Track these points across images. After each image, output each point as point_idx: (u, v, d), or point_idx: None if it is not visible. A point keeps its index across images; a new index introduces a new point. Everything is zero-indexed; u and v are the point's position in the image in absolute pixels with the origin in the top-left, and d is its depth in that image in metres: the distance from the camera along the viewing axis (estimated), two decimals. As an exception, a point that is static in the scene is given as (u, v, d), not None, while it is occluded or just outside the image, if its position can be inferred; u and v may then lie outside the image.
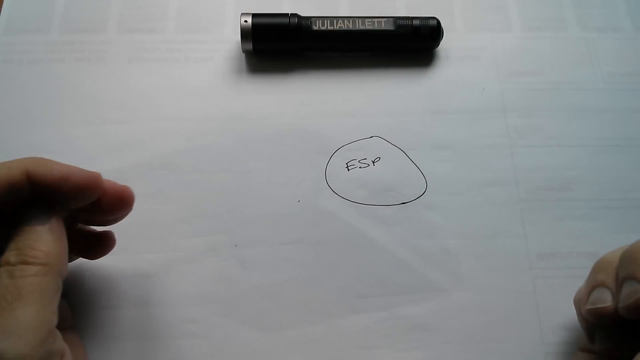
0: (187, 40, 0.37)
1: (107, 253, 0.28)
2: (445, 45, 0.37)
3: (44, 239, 0.22)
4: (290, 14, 0.35)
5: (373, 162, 0.34)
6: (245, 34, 0.35)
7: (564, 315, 0.30)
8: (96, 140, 0.33)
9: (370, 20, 0.35)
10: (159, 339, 0.29)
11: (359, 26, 0.35)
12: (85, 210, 0.25)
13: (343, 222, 0.32)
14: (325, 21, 0.35)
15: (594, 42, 0.38)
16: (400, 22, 0.35)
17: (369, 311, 0.30)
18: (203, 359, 0.28)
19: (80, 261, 0.29)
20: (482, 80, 0.36)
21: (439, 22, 0.36)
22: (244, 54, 0.37)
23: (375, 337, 0.29)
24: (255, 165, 0.33)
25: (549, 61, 0.37)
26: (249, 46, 0.35)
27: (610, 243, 0.24)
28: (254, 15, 0.35)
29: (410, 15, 0.36)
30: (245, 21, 0.34)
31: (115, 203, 0.26)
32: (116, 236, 0.28)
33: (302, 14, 0.35)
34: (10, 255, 0.22)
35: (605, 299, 0.24)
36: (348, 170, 0.33)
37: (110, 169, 0.32)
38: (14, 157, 0.32)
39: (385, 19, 0.36)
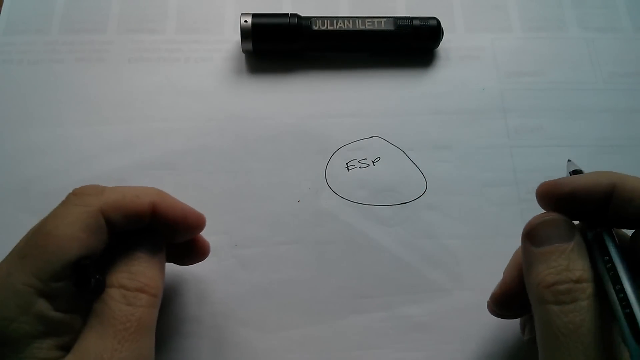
0: (187, 40, 0.37)
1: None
2: (445, 45, 0.37)
3: (154, 270, 0.23)
4: (290, 14, 0.35)
5: (373, 162, 0.34)
6: (245, 34, 0.35)
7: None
8: (96, 140, 0.33)
9: (370, 20, 0.35)
10: (159, 339, 0.29)
11: (359, 26, 0.35)
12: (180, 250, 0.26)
13: (343, 222, 0.32)
14: (325, 21, 0.35)
15: (594, 42, 0.38)
16: (400, 22, 0.35)
17: (369, 311, 0.30)
18: (203, 359, 0.28)
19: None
20: (482, 81, 0.36)
21: (439, 22, 0.36)
22: (244, 54, 0.37)
23: (375, 337, 0.29)
24: (255, 165, 0.33)
25: (549, 61, 0.37)
26: (249, 46, 0.35)
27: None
28: (254, 15, 0.35)
29: (410, 15, 0.36)
30: (245, 21, 0.34)
31: (202, 251, 0.27)
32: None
33: (302, 14, 0.35)
34: (124, 278, 0.22)
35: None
36: (348, 170, 0.33)
37: (110, 169, 0.33)
38: (13, 157, 0.33)
39: (385, 19, 0.35)
